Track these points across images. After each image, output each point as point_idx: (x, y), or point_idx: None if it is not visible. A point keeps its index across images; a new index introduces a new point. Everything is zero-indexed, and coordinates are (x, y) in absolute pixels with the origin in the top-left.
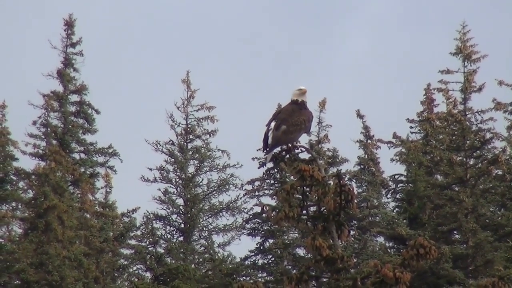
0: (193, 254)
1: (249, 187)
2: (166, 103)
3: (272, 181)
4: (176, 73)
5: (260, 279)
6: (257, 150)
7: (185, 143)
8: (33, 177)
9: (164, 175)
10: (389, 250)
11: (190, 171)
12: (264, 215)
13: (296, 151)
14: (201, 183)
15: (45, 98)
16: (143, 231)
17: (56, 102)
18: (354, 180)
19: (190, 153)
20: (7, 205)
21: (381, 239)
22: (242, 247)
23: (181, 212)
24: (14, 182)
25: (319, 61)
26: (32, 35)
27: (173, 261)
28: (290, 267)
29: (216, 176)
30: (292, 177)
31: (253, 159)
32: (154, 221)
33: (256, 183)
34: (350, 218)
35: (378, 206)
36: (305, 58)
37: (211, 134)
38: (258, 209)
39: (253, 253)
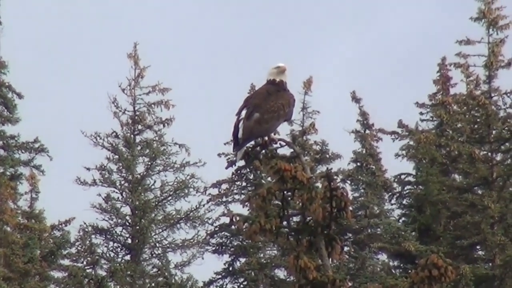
0: (143, 278)
1: (215, 192)
2: (108, 84)
3: (244, 184)
4: (121, 46)
5: None
6: (225, 145)
7: (132, 136)
8: None
9: (106, 176)
10: (393, 271)
11: (139, 171)
12: (233, 227)
13: (274, 145)
14: (153, 187)
15: None
16: (79, 248)
17: None
18: (349, 182)
19: (139, 148)
20: None
21: (383, 256)
22: (205, 268)
23: (127, 223)
24: None
25: (305, 31)
26: None
27: (118, 287)
28: None
29: (172, 177)
30: (269, 179)
31: (219, 155)
32: (93, 236)
33: (224, 186)
34: (344, 231)
35: (379, 215)
36: (289, 29)
37: (166, 124)
38: (226, 220)
39: (220, 276)
